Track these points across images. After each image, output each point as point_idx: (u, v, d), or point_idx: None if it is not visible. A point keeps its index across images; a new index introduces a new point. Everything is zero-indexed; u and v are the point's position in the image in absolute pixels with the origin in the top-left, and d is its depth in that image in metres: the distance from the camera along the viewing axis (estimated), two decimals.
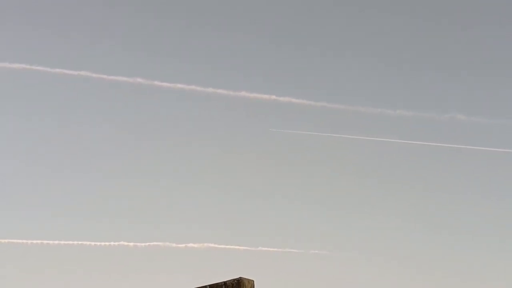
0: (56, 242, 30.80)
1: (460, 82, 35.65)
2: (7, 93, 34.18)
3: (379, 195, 34.47)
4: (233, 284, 9.20)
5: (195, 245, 31.22)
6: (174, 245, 31.30)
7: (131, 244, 31.06)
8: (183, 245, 31.27)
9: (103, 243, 31.00)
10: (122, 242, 31.04)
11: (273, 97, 33.72)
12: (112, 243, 30.94)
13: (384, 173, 35.16)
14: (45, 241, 30.65)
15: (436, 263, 31.99)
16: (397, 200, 34.30)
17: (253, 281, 9.34)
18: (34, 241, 30.48)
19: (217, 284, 9.32)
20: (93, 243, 30.99)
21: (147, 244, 31.21)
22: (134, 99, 34.92)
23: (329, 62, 36.28)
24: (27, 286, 28.89)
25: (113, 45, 35.43)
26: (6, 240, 30.16)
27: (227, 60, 36.07)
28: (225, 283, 9.29)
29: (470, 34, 35.99)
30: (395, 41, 36.67)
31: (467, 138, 34.20)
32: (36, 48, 34.58)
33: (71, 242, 30.86)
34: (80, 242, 30.94)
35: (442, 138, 34.55)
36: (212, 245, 31.30)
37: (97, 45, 35.22)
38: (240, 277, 9.20)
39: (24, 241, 30.32)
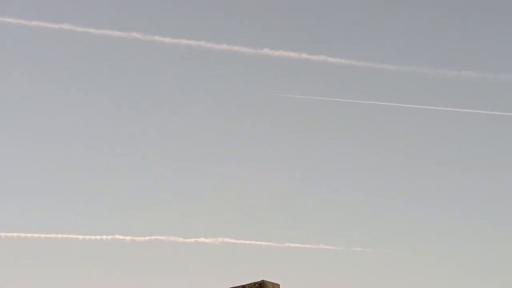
0: (36, 235, 31.17)
1: None
2: None
3: (435, 180, 34.58)
4: None
5: (207, 240, 31.46)
6: (181, 239, 31.61)
7: (128, 238, 31.44)
8: (193, 239, 31.54)
9: (93, 237, 31.33)
10: (116, 236, 31.42)
11: (304, 55, 33.84)
12: (104, 236, 31.30)
13: (444, 153, 35.27)
14: (29, 235, 31.16)
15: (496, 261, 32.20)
16: (458, 188, 34.58)
17: (279, 285, 9.65)
18: (14, 234, 31.09)
19: None
20: (81, 237, 31.39)
21: (147, 238, 31.60)
22: (130, 58, 35.16)
23: (372, 15, 36.53)
24: (11, 281, 29.33)
25: None
26: None
27: (244, 12, 36.30)
28: (244, 287, 9.59)
29: None
30: None
31: None
32: None
33: (54, 236, 31.35)
34: (66, 236, 31.39)
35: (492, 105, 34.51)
36: (228, 240, 31.49)
37: None
38: (263, 280, 9.42)
39: (8, 234, 31.07)
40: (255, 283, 9.36)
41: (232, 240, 31.38)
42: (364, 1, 36.71)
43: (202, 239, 31.32)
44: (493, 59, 35.93)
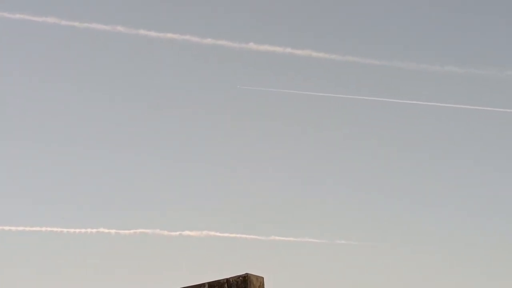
0: (21, 228, 31.06)
1: None
2: None
3: (421, 174, 34.58)
4: (238, 282, 9.28)
5: (192, 233, 31.24)
6: (165, 233, 31.37)
7: (112, 231, 31.14)
8: (177, 233, 31.30)
9: (78, 230, 31.02)
10: (101, 229, 31.10)
11: (288, 49, 33.60)
12: (89, 230, 30.99)
13: (427, 146, 35.15)
14: (6, 227, 30.89)
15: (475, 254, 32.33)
16: (444, 183, 34.49)
17: (263, 278, 9.44)
18: None
19: (218, 281, 9.44)
20: (65, 230, 31.05)
21: (132, 231, 31.28)
22: (113, 52, 34.83)
23: (357, 10, 36.32)
24: None
25: None
26: None
27: (229, 6, 36.13)
28: (227, 280, 9.37)
29: None
30: None
31: None
32: None
33: (38, 229, 31.00)
34: (50, 229, 31.05)
35: (504, 102, 34.76)
36: (213, 233, 31.28)
37: None
38: (247, 274, 9.27)
39: None
40: (239, 276, 9.17)
41: (217, 234, 31.28)
42: None
43: (187, 232, 31.18)
44: (478, 54, 35.88)
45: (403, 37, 36.36)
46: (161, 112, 35.08)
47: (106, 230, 31.08)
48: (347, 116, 35.52)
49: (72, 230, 31.03)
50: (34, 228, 31.00)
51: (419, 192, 34.18)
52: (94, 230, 31.00)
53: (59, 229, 31.04)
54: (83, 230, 30.97)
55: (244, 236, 31.52)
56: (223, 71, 35.36)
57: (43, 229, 31.03)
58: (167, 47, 34.07)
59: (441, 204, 33.79)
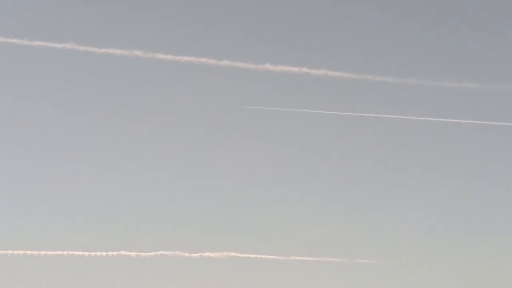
0: (43, 252, 31.17)
1: None
2: None
3: (439, 190, 34.51)
4: None
5: (213, 255, 31.49)
6: (186, 254, 31.56)
7: (133, 254, 31.34)
8: (198, 254, 31.55)
9: (99, 253, 31.26)
10: (122, 252, 31.32)
11: (304, 69, 33.91)
12: (110, 253, 31.24)
13: (439, 163, 35.03)
14: (28, 252, 31.05)
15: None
16: (458, 198, 34.33)
17: None
18: (21, 252, 30.94)
19: None
20: (86, 254, 31.30)
21: (153, 253, 31.44)
22: (132, 76, 34.84)
23: (369, 28, 36.23)
24: None
25: (104, 12, 35.30)
26: None
27: (245, 28, 35.94)
28: None
29: None
30: None
31: None
32: (9, 17, 34.42)
33: (60, 253, 31.20)
34: (71, 253, 31.29)
35: None
36: (234, 254, 31.52)
37: (83, 12, 35.04)
38: None
39: (14, 252, 30.94)
40: None
41: (238, 254, 31.51)
42: (362, 16, 36.56)
43: (207, 254, 31.46)
44: (495, 70, 35.90)
45: (418, 54, 36.38)
46: (180, 134, 35.18)
47: (127, 253, 31.35)
48: (366, 135, 35.51)
49: (93, 253, 31.28)
50: (56, 252, 31.28)
51: (441, 210, 34.23)
52: (115, 253, 31.29)
53: (80, 253, 31.30)
54: (104, 253, 31.25)
55: (264, 256, 31.73)
56: (239, 92, 35.38)
57: (65, 253, 31.31)
58: (184, 70, 34.29)
59: (460, 220, 33.89)
